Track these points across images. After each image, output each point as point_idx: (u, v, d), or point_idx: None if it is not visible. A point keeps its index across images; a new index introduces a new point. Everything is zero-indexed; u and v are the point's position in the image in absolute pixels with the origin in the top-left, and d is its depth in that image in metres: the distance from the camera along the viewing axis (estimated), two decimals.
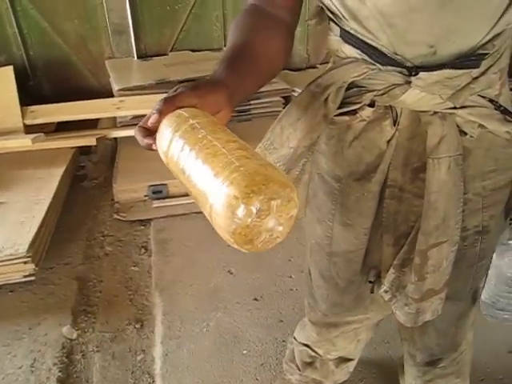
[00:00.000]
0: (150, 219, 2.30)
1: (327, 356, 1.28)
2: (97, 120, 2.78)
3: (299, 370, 1.36)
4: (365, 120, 0.79)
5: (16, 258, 1.80)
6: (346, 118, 0.79)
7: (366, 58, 0.73)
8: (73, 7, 2.89)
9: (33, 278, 1.86)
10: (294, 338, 1.37)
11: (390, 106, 0.77)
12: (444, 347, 1.10)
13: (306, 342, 1.30)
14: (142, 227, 2.28)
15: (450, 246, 0.79)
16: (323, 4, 0.76)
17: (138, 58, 3.10)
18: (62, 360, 1.62)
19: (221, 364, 1.59)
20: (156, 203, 2.34)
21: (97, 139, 2.51)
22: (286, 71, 3.16)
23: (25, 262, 1.82)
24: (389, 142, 0.79)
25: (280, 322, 1.74)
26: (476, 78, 0.70)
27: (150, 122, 0.61)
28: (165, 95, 0.62)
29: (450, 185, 0.75)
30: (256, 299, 1.84)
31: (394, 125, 0.77)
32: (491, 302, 0.93)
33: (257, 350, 1.64)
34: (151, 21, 3.04)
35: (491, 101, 0.74)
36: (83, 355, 1.67)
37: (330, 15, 0.76)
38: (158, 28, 3.08)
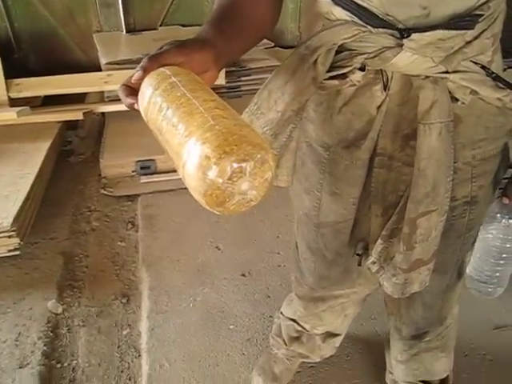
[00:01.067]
0: (138, 195, 2.28)
1: (314, 331, 1.28)
2: (84, 94, 2.74)
3: (286, 345, 1.35)
4: (355, 85, 0.76)
5: (0, 232, 1.77)
6: (336, 82, 0.76)
7: (357, 20, 0.71)
8: None
9: (18, 253, 1.84)
10: (281, 312, 1.36)
11: (381, 71, 0.75)
12: (430, 320, 1.10)
13: (292, 317, 1.30)
14: (130, 203, 2.25)
15: (440, 215, 0.78)
16: None
17: (126, 32, 3.05)
18: (47, 334, 1.61)
19: (207, 339, 1.59)
20: (144, 179, 2.32)
21: (84, 114, 2.47)
22: (278, 48, 3.12)
23: (9, 236, 1.79)
24: (379, 107, 0.77)
25: (267, 298, 1.73)
26: (469, 42, 0.69)
27: (133, 79, 0.59)
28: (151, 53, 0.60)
29: (441, 151, 0.74)
30: (243, 275, 1.84)
31: (385, 90, 0.76)
32: (476, 275, 0.93)
33: (244, 325, 1.64)
34: None
35: (483, 67, 0.72)
36: (69, 329, 1.65)
37: None
38: (147, 2, 3.02)
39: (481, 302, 1.59)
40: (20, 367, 1.50)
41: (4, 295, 1.75)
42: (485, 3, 0.66)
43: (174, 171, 2.35)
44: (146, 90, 0.57)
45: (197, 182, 0.46)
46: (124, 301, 1.75)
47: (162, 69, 0.58)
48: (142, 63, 0.59)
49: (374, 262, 0.89)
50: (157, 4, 3.04)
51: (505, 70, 0.79)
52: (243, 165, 0.45)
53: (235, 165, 0.45)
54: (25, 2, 2.83)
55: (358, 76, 0.75)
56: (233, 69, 2.74)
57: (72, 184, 2.38)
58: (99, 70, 2.71)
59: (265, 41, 2.92)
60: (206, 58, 0.62)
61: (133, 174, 2.35)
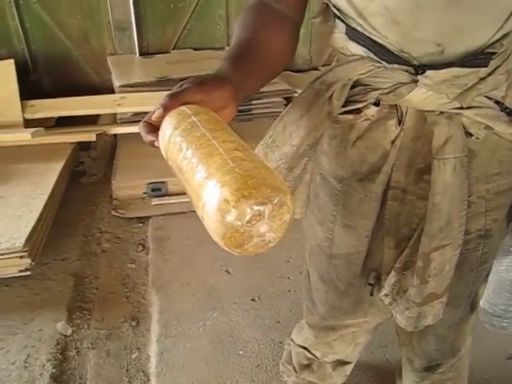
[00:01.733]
0: (149, 217, 2.29)
1: (324, 359, 1.27)
2: (97, 116, 2.77)
3: (296, 372, 1.34)
4: (369, 119, 0.77)
5: (12, 252, 1.78)
6: (351, 116, 0.77)
7: (372, 55, 0.72)
8: (76, 2, 2.89)
9: (29, 273, 1.84)
10: (292, 339, 1.35)
11: (395, 106, 0.76)
12: (443, 352, 1.09)
13: (303, 345, 1.29)
14: (140, 225, 2.26)
15: (454, 249, 0.78)
16: (329, 1, 0.75)
17: (140, 55, 3.09)
18: (56, 356, 1.61)
19: (217, 364, 1.58)
20: (155, 201, 2.33)
21: (96, 135, 2.50)
22: (288, 72, 3.15)
23: (21, 257, 1.80)
24: (393, 142, 0.77)
25: (277, 323, 1.72)
26: (483, 78, 0.69)
27: (154, 117, 0.60)
28: (170, 91, 0.61)
29: (455, 187, 0.74)
30: (253, 300, 1.83)
31: (399, 124, 0.76)
32: (490, 308, 0.92)
33: (253, 351, 1.62)
34: (154, 18, 3.03)
35: (497, 102, 0.73)
36: (77, 352, 1.65)
37: (336, 12, 0.75)
38: (160, 26, 3.07)
39: (494, 331, 1.58)
40: None
41: (14, 315, 1.75)
42: (497, 41, 0.67)
43: (185, 194, 2.36)
44: (167, 129, 0.58)
45: (216, 224, 0.46)
46: (133, 324, 1.75)
47: (182, 107, 0.59)
48: (162, 101, 0.60)
49: (387, 295, 0.88)
50: (170, 28, 3.09)
51: None
52: (262, 208, 0.45)
53: (254, 208, 0.45)
54: (42, 25, 2.89)
55: (372, 111, 0.76)
56: None
57: (83, 205, 2.40)
58: (112, 92, 2.75)
59: None
60: (225, 95, 0.63)
61: (144, 195, 2.36)
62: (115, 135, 2.71)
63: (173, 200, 2.32)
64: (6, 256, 1.79)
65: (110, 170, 2.49)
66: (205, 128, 0.54)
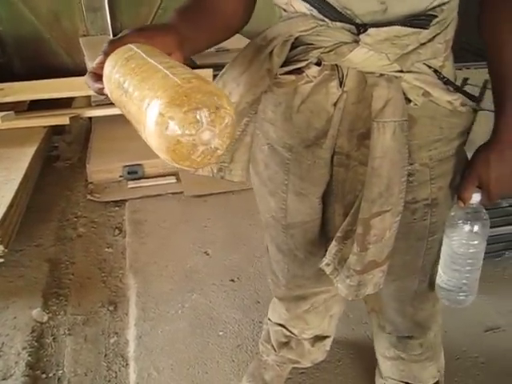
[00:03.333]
0: (125, 200, 2.25)
1: (302, 335, 1.26)
2: (71, 99, 2.72)
3: (275, 351, 1.33)
4: (311, 81, 0.76)
5: None
6: (292, 77, 0.76)
7: (315, 12, 0.72)
8: None
9: (2, 260, 1.79)
10: (269, 318, 1.34)
11: (337, 67, 0.75)
12: (407, 326, 1.09)
13: (280, 322, 1.28)
14: (117, 208, 2.23)
15: (394, 215, 0.78)
16: None
17: (113, 36, 3.00)
18: (32, 344, 1.57)
19: (196, 346, 1.56)
20: (131, 184, 2.29)
21: (70, 118, 2.45)
22: None
23: None
24: (335, 104, 0.77)
25: (257, 304, 1.71)
26: (424, 43, 0.71)
27: (96, 64, 0.61)
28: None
29: (395, 151, 0.74)
30: (232, 280, 1.81)
31: (341, 86, 0.75)
32: (442, 283, 0.91)
33: (233, 332, 1.61)
34: None
35: (435, 71, 0.74)
36: (54, 339, 1.62)
37: None
38: (134, 6, 3.01)
39: (472, 305, 1.59)
40: (3, 379, 1.46)
41: None
42: (438, 6, 0.69)
43: (162, 176, 2.34)
44: (107, 71, 0.59)
45: (157, 140, 0.46)
46: (111, 308, 1.72)
47: (120, 48, 0.60)
48: (103, 48, 0.61)
49: (329, 264, 0.88)
50: (144, 9, 3.03)
51: (466, 79, 0.81)
52: (197, 113, 0.46)
53: (189, 115, 0.45)
54: (9, 4, 2.80)
55: (313, 71, 0.75)
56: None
57: (58, 190, 2.35)
58: (86, 74, 2.68)
59: None
60: (168, 40, 0.63)
61: (120, 179, 2.33)
62: (90, 118, 2.66)
63: (149, 183, 2.29)
64: None
65: (85, 153, 2.44)
66: (141, 57, 0.55)
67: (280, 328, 1.28)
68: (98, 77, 0.61)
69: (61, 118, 2.47)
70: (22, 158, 2.23)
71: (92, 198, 2.24)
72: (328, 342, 1.34)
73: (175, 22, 0.68)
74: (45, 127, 2.51)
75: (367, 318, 1.61)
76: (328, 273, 0.89)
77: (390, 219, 0.78)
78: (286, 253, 1.03)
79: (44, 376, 1.49)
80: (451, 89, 0.76)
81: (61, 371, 1.51)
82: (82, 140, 2.69)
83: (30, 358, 1.52)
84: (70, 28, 2.97)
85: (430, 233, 0.89)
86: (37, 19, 2.87)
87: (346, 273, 0.84)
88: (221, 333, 1.60)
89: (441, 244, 0.88)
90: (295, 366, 1.38)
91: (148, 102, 0.47)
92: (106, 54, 0.60)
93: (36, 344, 1.58)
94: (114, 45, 0.60)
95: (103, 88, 0.60)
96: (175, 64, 0.53)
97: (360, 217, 0.79)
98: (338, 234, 0.85)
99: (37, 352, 1.56)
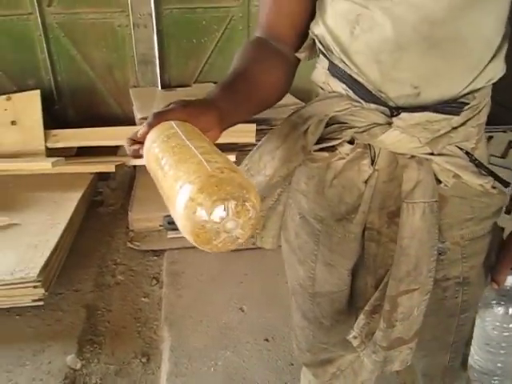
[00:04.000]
0: (164, 250, 2.28)
1: None
2: (117, 147, 2.80)
3: None
4: (344, 158, 0.78)
5: (26, 282, 1.78)
6: (326, 154, 0.78)
7: (351, 93, 0.74)
8: (102, 36, 2.98)
9: (41, 303, 1.83)
10: None
11: (369, 146, 0.77)
12: None
13: None
14: (155, 258, 2.25)
15: (422, 294, 0.78)
16: (315, 36, 0.77)
17: (161, 88, 3.15)
18: None
19: None
20: (170, 234, 2.32)
21: (116, 166, 2.52)
22: None
23: (35, 287, 1.80)
24: (367, 182, 0.78)
25: (290, 366, 1.67)
26: (455, 127, 0.72)
27: (139, 134, 0.62)
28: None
29: (424, 231, 0.74)
30: (267, 340, 1.78)
31: (372, 165, 0.77)
32: (476, 365, 0.88)
33: None
34: (177, 53, 3.10)
35: (467, 153, 0.75)
36: None
37: (321, 47, 0.77)
38: (183, 60, 3.13)
39: None
40: None
41: (24, 346, 1.73)
42: (470, 93, 0.71)
43: None
44: (148, 143, 0.61)
45: (184, 221, 0.48)
46: (144, 360, 1.72)
47: (164, 122, 0.62)
48: (148, 119, 0.62)
49: (356, 337, 0.86)
50: (192, 62, 3.15)
51: (490, 138, 0.82)
52: (225, 204, 0.47)
53: (218, 205, 0.47)
54: (69, 57, 2.97)
55: (346, 149, 0.77)
56: (263, 127, 2.78)
57: (100, 235, 2.40)
58: (134, 123, 2.79)
59: (296, 100, 2.98)
60: (210, 119, 0.64)
61: (160, 228, 2.36)
62: (134, 166, 2.73)
63: None
64: (20, 285, 1.79)
65: (128, 200, 2.50)
66: (180, 138, 0.57)
67: None
68: (136, 143, 0.64)
69: (107, 165, 2.55)
70: (68, 203, 2.30)
71: (132, 246, 2.28)
72: None
73: (217, 97, 0.69)
74: (91, 173, 2.60)
75: None
76: (355, 345, 0.87)
77: (418, 298, 0.78)
78: (311, 320, 1.01)
79: None
80: (483, 172, 0.76)
81: None
82: (126, 187, 2.76)
83: None
84: (122, 80, 3.12)
85: (462, 310, 0.87)
86: (92, 71, 3.04)
87: (372, 348, 0.83)
88: None
89: (474, 323, 0.86)
90: None
91: (181, 184, 0.49)
92: (150, 126, 0.61)
93: None
94: (158, 118, 0.62)
95: (138, 152, 0.63)
96: (212, 150, 0.55)
97: (387, 294, 0.78)
98: (366, 308, 0.84)
99: None
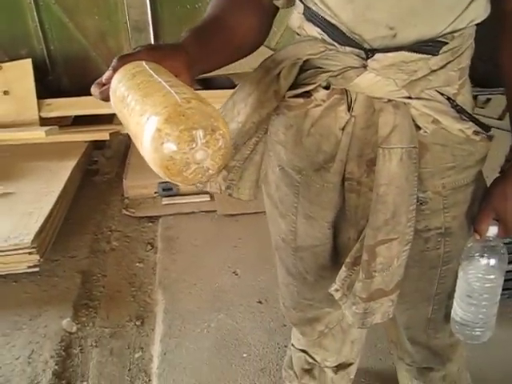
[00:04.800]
0: (159, 216, 2.28)
1: (325, 363, 1.23)
2: (112, 115, 2.78)
3: (297, 378, 1.30)
4: (320, 105, 0.76)
5: (21, 248, 1.80)
6: (301, 100, 0.77)
7: (326, 37, 0.73)
8: (94, 3, 2.92)
9: (37, 270, 1.85)
10: (292, 344, 1.32)
11: (346, 92, 0.75)
12: (424, 356, 1.06)
13: (302, 348, 1.25)
14: (150, 224, 2.26)
15: (402, 244, 0.77)
16: None
17: None
18: (60, 353, 1.60)
19: (219, 366, 1.55)
20: (165, 200, 2.33)
21: (110, 134, 2.52)
22: None
23: (29, 253, 1.81)
24: (343, 129, 0.76)
25: (283, 327, 1.69)
26: (434, 71, 0.70)
27: (104, 78, 0.62)
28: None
29: (402, 178, 0.73)
30: (260, 302, 1.80)
31: (349, 111, 0.75)
32: (457, 318, 0.88)
33: (257, 354, 1.59)
34: (171, 19, 3.04)
35: (448, 99, 0.73)
36: (81, 349, 1.64)
37: None
38: (177, 26, 3.08)
39: (506, 341, 1.52)
40: None
41: (20, 311, 1.76)
42: (450, 33, 0.68)
43: (196, 194, 2.37)
44: (113, 84, 0.60)
45: (152, 154, 0.47)
46: (138, 323, 1.74)
47: (129, 63, 0.61)
48: (112, 63, 0.62)
49: (338, 290, 0.86)
50: (186, 28, 3.05)
51: (488, 100, 0.80)
52: (192, 133, 0.47)
53: (185, 134, 0.47)
54: (61, 26, 2.93)
55: (322, 94, 0.76)
56: None
57: (95, 203, 2.41)
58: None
59: None
60: (176, 63, 0.64)
61: (155, 195, 2.37)
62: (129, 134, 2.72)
63: (183, 200, 2.31)
64: (15, 252, 1.80)
65: (123, 169, 2.49)
66: (147, 74, 0.57)
67: (303, 354, 1.25)
68: (103, 87, 0.63)
69: (102, 134, 2.55)
70: (63, 172, 2.30)
71: (127, 213, 2.29)
72: (352, 370, 1.29)
73: (187, 42, 0.68)
74: (86, 142, 2.59)
75: None
76: (337, 298, 0.87)
77: (397, 247, 0.77)
78: (295, 276, 1.01)
79: None
80: (464, 117, 0.74)
81: (85, 382, 1.53)
82: (121, 156, 2.76)
83: (56, 367, 1.55)
84: (115, 47, 3.07)
85: (444, 262, 0.87)
86: (85, 39, 2.99)
87: (352, 300, 0.83)
88: (245, 355, 1.59)
89: (456, 275, 0.85)
90: None
91: (147, 116, 0.49)
92: (115, 70, 0.61)
93: (63, 354, 1.61)
94: (123, 60, 0.61)
95: (106, 93, 0.62)
96: (179, 83, 0.55)
97: (365, 243, 0.78)
98: (348, 260, 0.84)
99: (64, 361, 1.59)
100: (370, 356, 1.54)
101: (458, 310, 0.87)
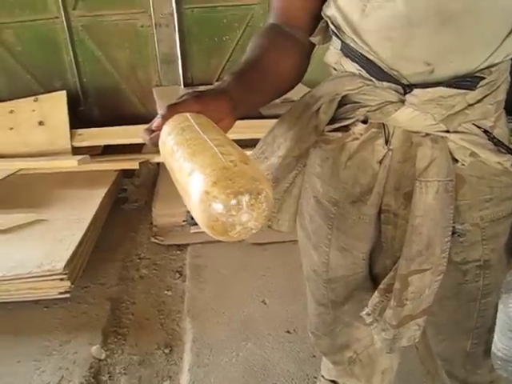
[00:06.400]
0: (187, 244, 2.30)
1: None
2: (141, 145, 2.84)
3: None
4: (358, 138, 0.77)
5: (53, 275, 1.83)
6: (339, 134, 0.78)
7: (364, 72, 0.73)
8: (126, 38, 3.04)
9: (68, 296, 1.87)
10: (322, 375, 1.29)
11: (383, 126, 0.76)
12: None
13: (332, 379, 1.23)
14: (179, 252, 2.28)
15: (434, 274, 0.76)
16: (327, 17, 0.76)
17: (184, 86, 3.18)
18: (89, 380, 1.61)
19: None
20: (193, 229, 2.34)
21: (140, 163, 2.57)
22: None
23: (61, 279, 1.84)
24: (381, 162, 0.77)
25: (312, 358, 1.66)
26: (471, 104, 0.70)
27: (154, 126, 0.63)
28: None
29: (437, 210, 0.73)
30: (289, 332, 1.78)
31: (386, 144, 0.76)
32: (500, 353, 0.85)
33: None
34: (199, 51, 3.13)
35: (485, 131, 0.73)
36: (110, 377, 1.64)
37: (333, 28, 0.76)
38: (205, 58, 3.16)
39: None
40: None
41: (51, 337, 1.78)
42: (487, 68, 0.68)
43: None
44: (163, 136, 0.62)
45: (200, 214, 0.49)
46: (167, 351, 1.74)
47: (178, 115, 0.62)
48: (161, 112, 0.63)
49: (369, 314, 0.85)
50: (214, 61, 3.18)
51: None
52: (239, 197, 0.48)
53: (231, 198, 0.48)
54: (94, 59, 3.04)
55: (360, 128, 0.76)
56: None
57: (124, 231, 2.44)
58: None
59: None
60: (222, 107, 0.65)
61: (183, 223, 2.38)
62: (158, 164, 2.77)
63: None
64: (47, 278, 1.83)
65: (152, 197, 2.53)
66: (195, 130, 0.58)
67: None
68: (152, 133, 0.64)
69: (131, 163, 2.60)
70: (93, 199, 2.35)
71: (155, 241, 2.31)
72: None
73: (229, 86, 0.69)
74: (116, 171, 2.65)
75: None
76: (367, 322, 0.87)
77: (429, 278, 0.77)
78: (326, 305, 1.00)
79: None
80: (502, 150, 0.74)
81: None
82: (150, 184, 2.80)
83: None
84: (145, 79, 3.17)
85: (483, 295, 0.85)
86: (116, 71, 3.10)
87: (382, 325, 0.83)
88: None
89: (496, 308, 0.84)
90: None
91: (196, 176, 0.50)
92: (165, 118, 0.62)
93: (93, 380, 1.61)
94: (172, 111, 0.62)
95: (156, 139, 0.63)
96: (226, 142, 0.56)
97: (398, 273, 0.78)
98: (381, 287, 0.84)
99: None
100: None
101: (499, 345, 0.85)
